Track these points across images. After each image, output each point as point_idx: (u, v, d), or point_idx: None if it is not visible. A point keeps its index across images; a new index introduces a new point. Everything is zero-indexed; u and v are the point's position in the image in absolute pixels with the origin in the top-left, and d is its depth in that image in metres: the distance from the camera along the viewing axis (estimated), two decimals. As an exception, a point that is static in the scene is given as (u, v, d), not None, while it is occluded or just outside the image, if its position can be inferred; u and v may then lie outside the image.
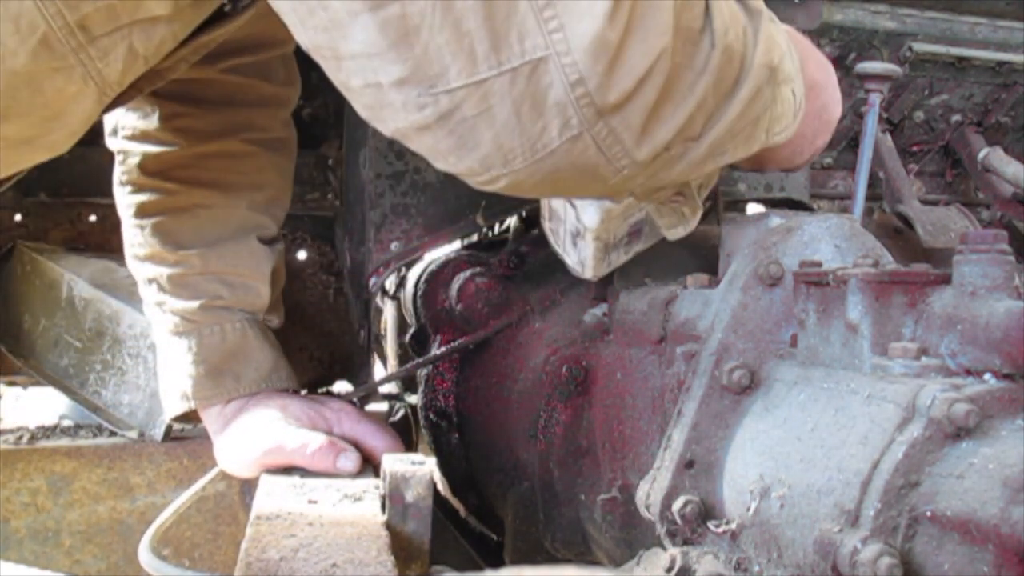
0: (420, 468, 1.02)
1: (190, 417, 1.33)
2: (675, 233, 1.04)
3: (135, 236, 1.35)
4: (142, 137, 1.35)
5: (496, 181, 0.82)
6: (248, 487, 1.60)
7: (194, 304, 1.30)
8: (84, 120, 0.98)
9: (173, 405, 1.31)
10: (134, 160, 1.36)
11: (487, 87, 0.74)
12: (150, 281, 1.33)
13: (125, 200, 1.36)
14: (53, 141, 0.99)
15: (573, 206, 1.14)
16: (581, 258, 1.17)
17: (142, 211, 1.34)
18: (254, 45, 1.30)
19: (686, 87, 0.80)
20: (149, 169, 1.35)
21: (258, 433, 1.24)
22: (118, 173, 1.38)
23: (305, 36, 0.79)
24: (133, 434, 1.65)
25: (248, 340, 1.32)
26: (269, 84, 1.37)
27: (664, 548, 0.87)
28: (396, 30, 0.73)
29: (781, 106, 0.93)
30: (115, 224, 1.41)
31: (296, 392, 1.36)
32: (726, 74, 0.83)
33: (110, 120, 1.37)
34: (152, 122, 1.34)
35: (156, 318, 1.33)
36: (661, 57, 0.76)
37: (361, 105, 0.82)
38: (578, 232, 1.16)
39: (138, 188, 1.36)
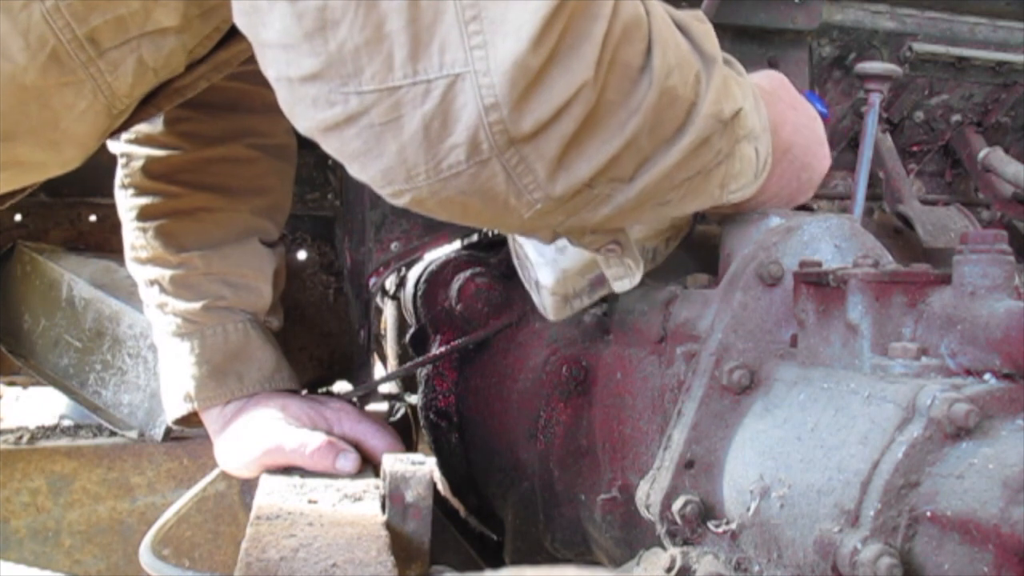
0: (420, 468, 1.02)
1: (191, 421, 1.33)
2: (621, 285, 0.99)
3: (137, 239, 1.35)
4: (146, 141, 1.35)
5: (400, 196, 0.79)
6: (248, 487, 1.60)
7: (196, 305, 1.30)
8: (95, 135, 0.97)
9: (175, 407, 1.31)
10: (137, 163, 1.36)
11: (399, 96, 0.71)
12: (151, 283, 1.33)
13: (127, 203, 1.36)
14: (65, 159, 0.98)
15: (530, 260, 1.14)
16: (543, 303, 1.18)
17: (144, 214, 1.34)
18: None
19: (615, 124, 0.77)
20: (153, 172, 1.35)
21: (257, 433, 1.24)
22: (120, 176, 1.37)
23: (236, 19, 0.77)
24: (133, 434, 1.65)
25: (251, 340, 1.32)
26: (271, 91, 1.37)
27: (664, 548, 0.87)
28: (313, 22, 0.70)
29: (740, 163, 0.91)
30: (115, 224, 1.41)
31: (296, 392, 1.36)
32: (665, 118, 0.80)
33: None
34: (156, 126, 1.35)
35: (157, 321, 1.33)
36: (583, 89, 0.73)
37: (280, 98, 0.79)
38: (537, 283, 1.16)
39: (141, 191, 1.36)
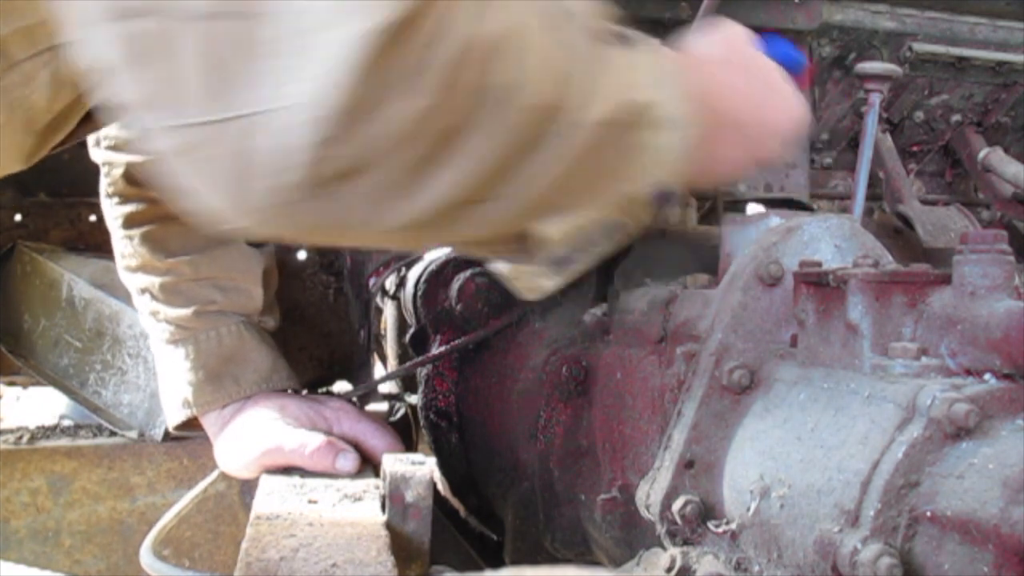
0: (420, 468, 1.02)
1: (191, 425, 1.33)
2: (532, 292, 0.97)
3: (125, 247, 1.35)
4: (125, 147, 1.34)
5: (219, 226, 0.73)
6: (248, 487, 1.60)
7: (188, 311, 1.29)
8: (17, 153, 0.93)
9: (174, 414, 1.31)
10: (118, 171, 1.35)
11: (204, 132, 0.66)
12: (143, 291, 1.33)
13: (113, 212, 1.36)
14: None
15: None
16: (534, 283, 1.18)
17: (130, 221, 1.34)
18: None
19: (464, 148, 0.71)
20: (134, 179, 1.34)
21: (256, 434, 1.23)
22: (104, 184, 1.37)
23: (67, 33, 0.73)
24: (133, 434, 1.65)
25: (245, 342, 1.31)
26: None
27: (664, 548, 0.87)
28: (128, 48, 0.66)
29: (656, 153, 0.86)
30: (115, 225, 1.42)
31: (295, 392, 1.36)
32: (528, 134, 0.74)
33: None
34: (133, 131, 1.34)
35: (151, 328, 1.33)
36: (418, 118, 0.67)
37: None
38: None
39: (124, 199, 1.35)
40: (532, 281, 1.02)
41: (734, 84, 1.03)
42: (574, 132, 0.77)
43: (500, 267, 1.10)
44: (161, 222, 1.33)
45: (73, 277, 1.68)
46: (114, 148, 1.34)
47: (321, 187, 0.68)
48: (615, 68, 0.82)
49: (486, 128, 0.71)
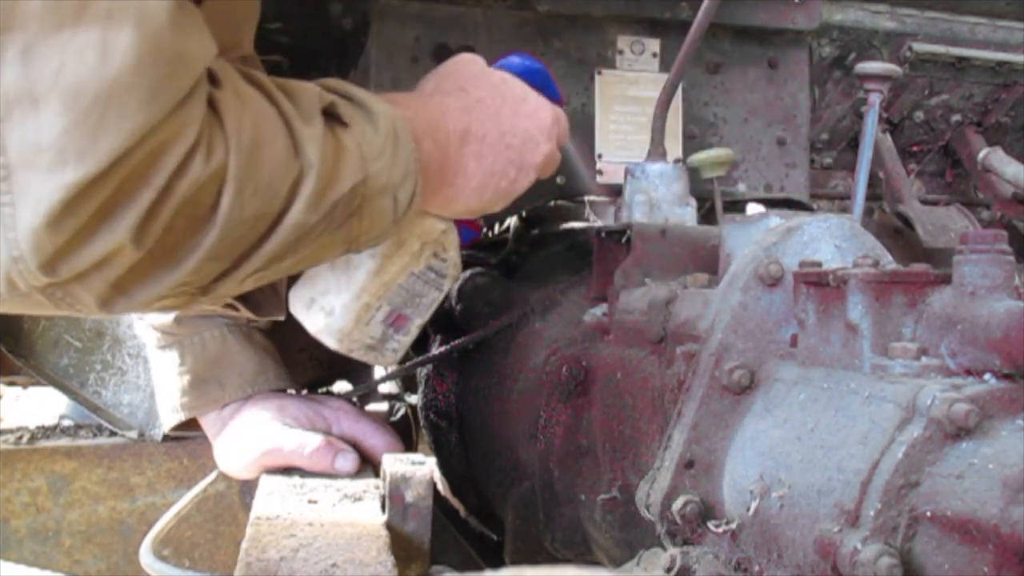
0: (420, 468, 1.02)
1: (189, 426, 1.33)
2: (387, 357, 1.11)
3: None
4: None
5: None
6: (248, 487, 1.60)
7: (170, 317, 1.29)
8: None
9: (166, 418, 1.32)
10: None
11: None
12: None
13: None
14: None
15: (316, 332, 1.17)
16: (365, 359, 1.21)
17: None
18: None
19: (173, 264, 0.80)
20: None
21: (255, 435, 1.23)
22: None
23: None
24: (133, 434, 1.65)
25: (229, 346, 1.30)
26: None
27: (664, 548, 0.87)
28: None
29: (370, 219, 0.94)
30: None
31: (294, 392, 1.36)
32: (245, 238, 0.83)
33: None
34: None
35: (143, 334, 1.34)
36: (122, 249, 0.75)
37: None
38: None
39: None
40: (372, 350, 1.14)
41: (469, 105, 1.06)
42: (288, 231, 0.85)
43: (331, 343, 1.16)
44: None
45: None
46: None
47: (48, 286, 0.76)
48: (326, 170, 0.87)
49: (200, 246, 0.80)
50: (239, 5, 1.13)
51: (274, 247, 0.85)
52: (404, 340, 1.20)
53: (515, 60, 1.16)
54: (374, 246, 1.01)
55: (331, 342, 1.15)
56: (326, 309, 1.13)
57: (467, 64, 1.12)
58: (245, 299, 1.08)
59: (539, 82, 1.15)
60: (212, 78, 0.79)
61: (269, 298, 1.10)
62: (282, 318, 1.14)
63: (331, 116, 0.90)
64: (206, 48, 0.77)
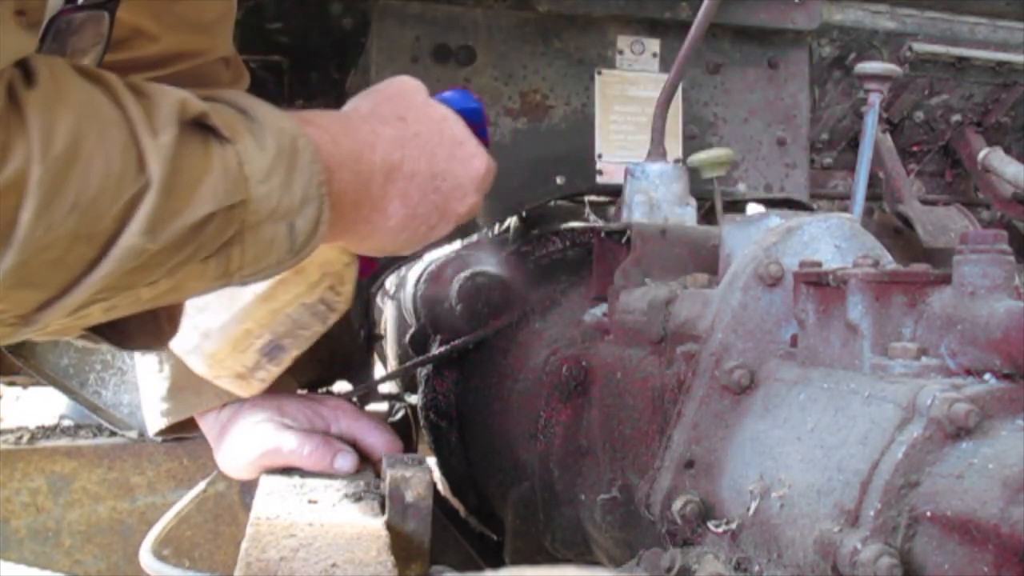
0: (420, 468, 1.02)
1: (187, 426, 1.33)
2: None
3: None
4: None
5: None
6: (248, 487, 1.60)
7: None
8: None
9: (151, 423, 1.32)
10: None
11: None
12: None
13: None
14: None
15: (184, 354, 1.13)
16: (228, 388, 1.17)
17: None
18: (163, 59, 1.20)
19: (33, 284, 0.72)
20: None
21: (255, 435, 1.23)
22: None
23: None
24: (133, 434, 1.65)
25: None
26: (199, 90, 1.30)
27: (664, 548, 0.87)
28: None
29: (255, 250, 0.83)
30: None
31: (293, 391, 1.36)
32: (62, 259, 0.72)
33: None
34: None
35: None
36: None
37: None
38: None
39: None
40: (240, 379, 1.06)
41: (405, 138, 0.99)
42: (121, 255, 0.75)
43: (198, 366, 1.09)
44: None
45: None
46: None
47: None
48: (209, 172, 0.78)
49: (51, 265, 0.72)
50: (206, 7, 1.10)
51: (107, 275, 0.74)
52: (274, 371, 1.15)
53: (456, 97, 1.09)
54: (264, 279, 0.89)
55: (198, 365, 1.09)
56: (201, 329, 1.06)
57: (411, 92, 1.05)
58: (112, 327, 0.93)
59: (476, 122, 1.08)
60: (27, 75, 0.70)
61: (145, 326, 0.96)
62: (161, 349, 1.06)
63: (206, 128, 0.80)
64: (6, 44, 0.68)
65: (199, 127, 0.79)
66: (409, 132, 0.99)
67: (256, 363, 1.13)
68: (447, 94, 1.09)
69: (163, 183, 0.74)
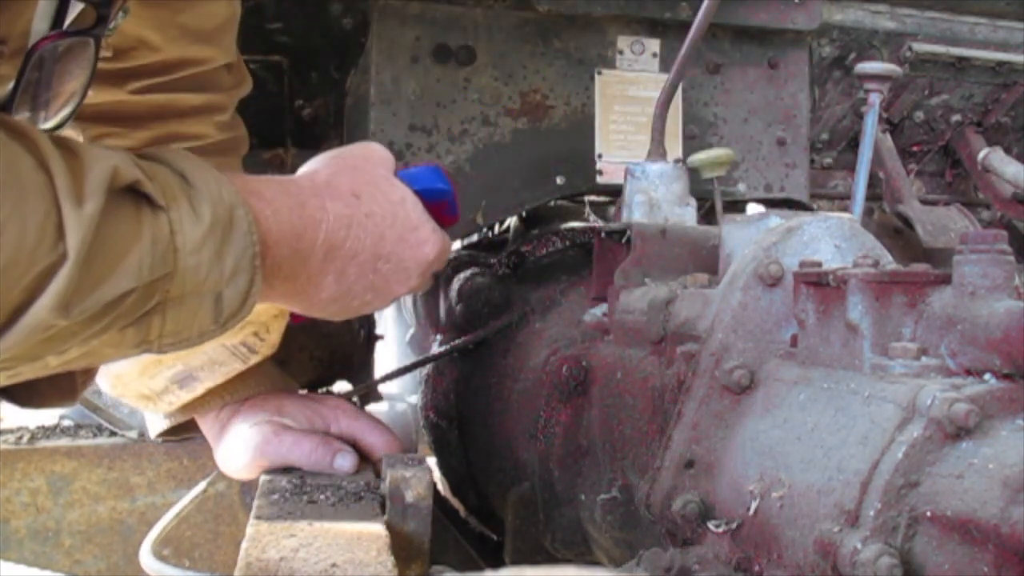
0: (420, 468, 1.02)
1: (187, 427, 1.33)
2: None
3: None
4: None
5: None
6: (248, 487, 1.60)
7: None
8: None
9: (152, 425, 1.32)
10: None
11: None
12: None
13: None
14: None
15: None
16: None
17: None
18: (164, 68, 1.21)
19: None
20: None
21: (254, 435, 1.23)
22: None
23: None
24: (133, 434, 1.65)
25: None
26: (199, 95, 1.28)
27: (664, 548, 0.87)
28: None
29: (176, 321, 0.80)
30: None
31: (293, 391, 1.36)
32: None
33: None
34: None
35: None
36: None
37: None
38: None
39: None
40: (145, 399, 1.06)
41: (354, 218, 0.95)
42: (29, 325, 0.70)
43: (102, 383, 1.07)
44: None
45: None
46: None
47: None
48: (137, 243, 0.74)
49: None
50: (209, 17, 1.10)
51: (11, 347, 0.70)
52: (184, 397, 1.14)
53: (423, 174, 1.04)
54: (186, 348, 0.85)
55: (102, 382, 1.07)
56: None
57: (375, 163, 1.01)
58: (21, 384, 0.89)
59: (440, 201, 1.05)
60: None
61: (58, 384, 0.92)
62: (71, 406, 1.04)
63: (139, 195, 0.76)
64: None
65: (132, 193, 0.75)
66: (361, 211, 0.96)
67: (165, 388, 1.12)
68: (416, 170, 1.05)
69: (81, 256, 0.70)
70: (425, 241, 1.01)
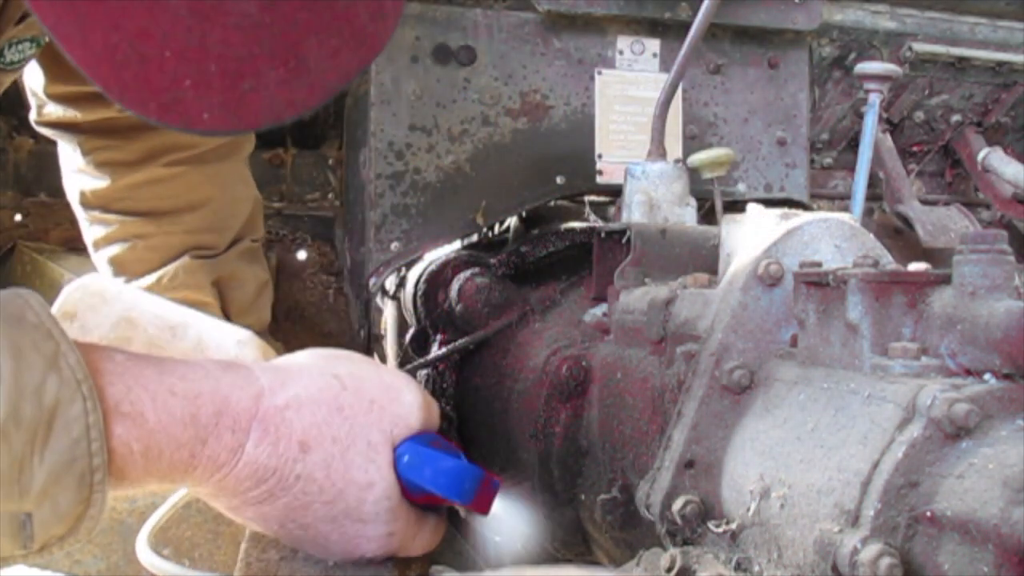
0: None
1: None
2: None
3: (99, 264, 1.43)
4: (78, 172, 1.40)
5: None
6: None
7: None
8: None
9: None
10: (75, 196, 1.42)
11: None
12: None
13: (82, 227, 1.45)
14: None
15: None
16: None
17: (95, 243, 1.42)
18: None
19: None
20: (89, 203, 1.40)
21: None
22: (73, 205, 1.44)
23: None
24: (133, 434, 1.65)
25: None
26: None
27: (664, 548, 0.87)
28: None
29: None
30: (115, 224, 1.43)
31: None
32: None
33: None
34: (79, 158, 1.38)
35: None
36: None
37: None
38: None
39: (90, 220, 1.42)
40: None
41: (277, 470, 0.78)
42: None
43: None
44: (118, 244, 1.40)
45: (73, 277, 1.68)
46: (69, 173, 1.41)
47: None
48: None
49: None
50: None
51: None
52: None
53: (443, 477, 0.83)
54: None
55: None
56: None
57: (376, 420, 0.81)
58: None
59: (459, 498, 0.86)
60: None
61: None
62: None
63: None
64: None
65: None
66: (292, 471, 0.77)
67: None
68: (437, 461, 0.83)
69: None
70: (366, 539, 0.82)
